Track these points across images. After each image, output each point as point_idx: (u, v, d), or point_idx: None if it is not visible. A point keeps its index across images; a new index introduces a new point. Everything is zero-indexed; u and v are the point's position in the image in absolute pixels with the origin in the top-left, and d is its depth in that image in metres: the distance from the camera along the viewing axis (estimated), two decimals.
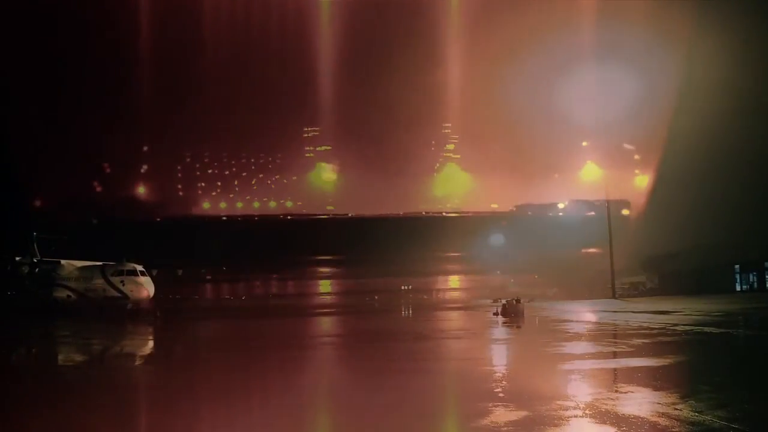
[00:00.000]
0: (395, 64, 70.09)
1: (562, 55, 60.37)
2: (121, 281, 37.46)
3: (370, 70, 68.99)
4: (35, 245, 39.54)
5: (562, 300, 48.94)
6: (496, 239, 60.20)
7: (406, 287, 72.41)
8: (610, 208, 50.52)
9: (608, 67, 56.78)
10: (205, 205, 75.54)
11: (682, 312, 26.87)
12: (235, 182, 76.95)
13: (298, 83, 73.31)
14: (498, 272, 65.72)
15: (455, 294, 71.60)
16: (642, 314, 27.45)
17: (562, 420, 7.40)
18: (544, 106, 61.47)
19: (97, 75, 67.13)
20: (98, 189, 71.23)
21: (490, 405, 8.30)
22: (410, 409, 8.88)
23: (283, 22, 71.88)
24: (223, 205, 75.76)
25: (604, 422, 7.28)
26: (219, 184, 76.71)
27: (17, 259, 38.74)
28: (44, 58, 63.81)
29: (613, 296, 47.99)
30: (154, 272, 40.36)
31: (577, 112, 55.86)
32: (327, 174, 75.69)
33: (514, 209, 68.41)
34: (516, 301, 30.10)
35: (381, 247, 60.83)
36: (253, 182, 77.34)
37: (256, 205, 75.96)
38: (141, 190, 72.86)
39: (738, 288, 51.11)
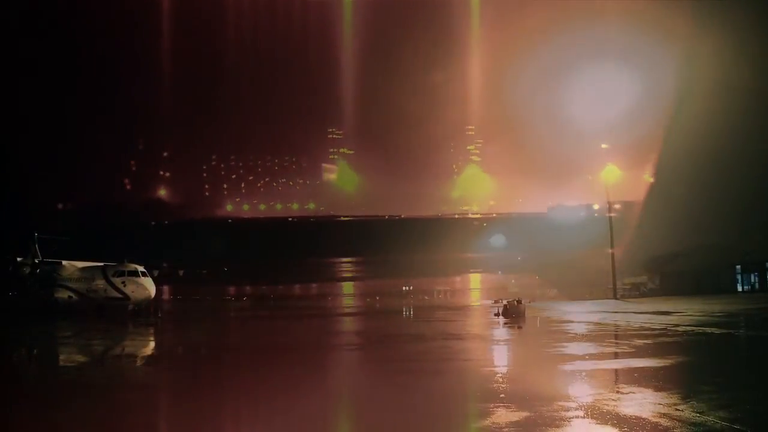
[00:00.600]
0: (418, 69, 71.33)
1: (577, 57, 60.66)
2: (123, 282, 37.35)
3: (392, 75, 69.96)
4: (36, 246, 39.51)
5: (562, 300, 48.95)
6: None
7: (407, 287, 72.42)
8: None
9: (625, 69, 56.92)
10: (228, 207, 76.10)
11: (683, 312, 26.85)
12: (259, 184, 77.61)
13: (322, 88, 74.42)
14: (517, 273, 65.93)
15: (472, 295, 71.78)
16: (643, 315, 27.41)
17: (564, 420, 7.40)
18: (564, 109, 61.78)
19: (122, 78, 68.10)
20: (122, 190, 72.04)
21: (492, 405, 8.30)
22: (412, 408, 8.89)
23: (307, 28, 73.01)
24: (246, 207, 76.26)
25: (605, 423, 7.28)
26: (243, 185, 77.41)
27: (19, 259, 38.70)
28: (70, 60, 64.29)
29: (614, 297, 47.96)
30: (156, 273, 40.31)
31: (596, 114, 56.02)
32: (349, 176, 76.37)
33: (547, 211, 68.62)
34: (517, 301, 30.06)
35: (415, 248, 61.38)
36: (275, 184, 78.06)
37: (278, 207, 76.51)
38: (162, 192, 73.57)
39: (739, 288, 50.97)
